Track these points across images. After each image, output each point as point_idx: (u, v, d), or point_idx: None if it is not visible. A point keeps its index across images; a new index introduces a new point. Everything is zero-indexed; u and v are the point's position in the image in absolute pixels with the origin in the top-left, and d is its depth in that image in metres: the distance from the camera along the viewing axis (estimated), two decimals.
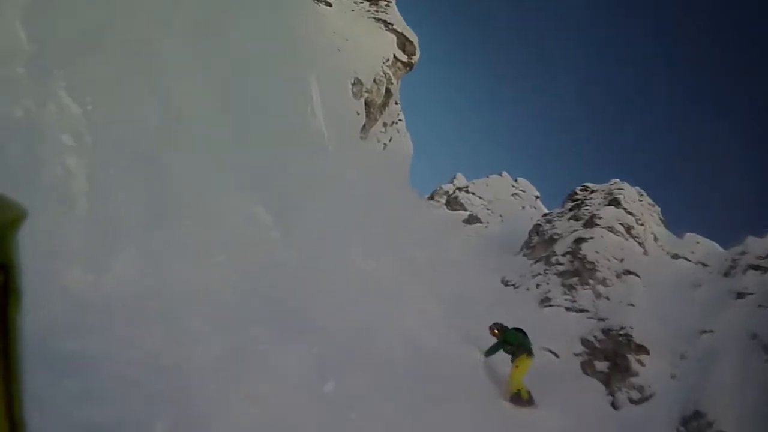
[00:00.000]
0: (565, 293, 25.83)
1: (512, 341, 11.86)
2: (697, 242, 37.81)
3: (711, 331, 27.67)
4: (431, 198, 54.50)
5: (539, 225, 33.98)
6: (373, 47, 29.96)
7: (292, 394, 4.81)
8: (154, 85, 7.67)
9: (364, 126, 30.44)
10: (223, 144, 8.54)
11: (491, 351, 11.98)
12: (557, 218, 32.78)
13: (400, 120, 41.52)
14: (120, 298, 4.40)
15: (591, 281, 26.13)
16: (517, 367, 11.61)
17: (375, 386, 6.36)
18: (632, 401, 23.95)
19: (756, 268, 31.84)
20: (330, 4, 28.75)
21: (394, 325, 8.84)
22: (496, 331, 12.06)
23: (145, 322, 4.31)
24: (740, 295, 30.45)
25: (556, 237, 30.22)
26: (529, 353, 11.98)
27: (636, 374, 24.50)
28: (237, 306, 5.10)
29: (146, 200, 5.75)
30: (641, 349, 25.95)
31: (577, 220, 30.52)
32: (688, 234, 38.92)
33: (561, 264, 27.37)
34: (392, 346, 7.94)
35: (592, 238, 27.90)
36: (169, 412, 3.66)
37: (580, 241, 27.83)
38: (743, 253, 34.09)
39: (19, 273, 0.83)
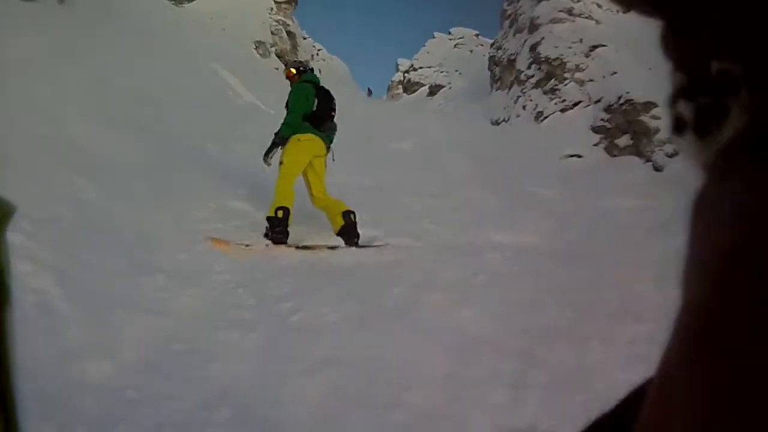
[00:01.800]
0: (551, 98, 25.50)
1: (294, 97, 6.14)
2: None
3: None
4: (389, 93, 53.28)
5: (493, 56, 33.73)
6: (251, 6, 30.32)
7: None
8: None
9: None
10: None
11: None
12: (504, 40, 32.29)
13: (319, 50, 40.49)
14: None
15: (567, 74, 25.88)
16: (286, 157, 5.94)
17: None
18: (669, 156, 23.41)
19: None
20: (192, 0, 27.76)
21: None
22: (293, 72, 6.56)
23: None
24: None
25: (512, 57, 29.59)
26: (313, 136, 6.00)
27: (658, 130, 23.94)
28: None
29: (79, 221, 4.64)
30: (649, 105, 25.37)
31: (521, 31, 29.86)
32: None
33: (531, 76, 26.90)
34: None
35: (543, 38, 27.35)
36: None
37: (534, 47, 27.31)
38: None
39: (8, 270, 0.76)
